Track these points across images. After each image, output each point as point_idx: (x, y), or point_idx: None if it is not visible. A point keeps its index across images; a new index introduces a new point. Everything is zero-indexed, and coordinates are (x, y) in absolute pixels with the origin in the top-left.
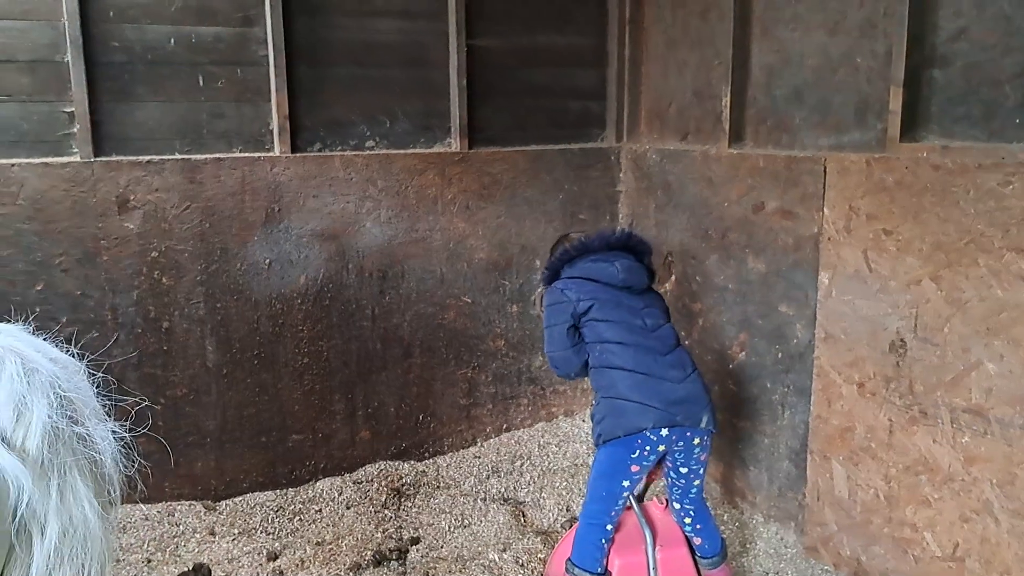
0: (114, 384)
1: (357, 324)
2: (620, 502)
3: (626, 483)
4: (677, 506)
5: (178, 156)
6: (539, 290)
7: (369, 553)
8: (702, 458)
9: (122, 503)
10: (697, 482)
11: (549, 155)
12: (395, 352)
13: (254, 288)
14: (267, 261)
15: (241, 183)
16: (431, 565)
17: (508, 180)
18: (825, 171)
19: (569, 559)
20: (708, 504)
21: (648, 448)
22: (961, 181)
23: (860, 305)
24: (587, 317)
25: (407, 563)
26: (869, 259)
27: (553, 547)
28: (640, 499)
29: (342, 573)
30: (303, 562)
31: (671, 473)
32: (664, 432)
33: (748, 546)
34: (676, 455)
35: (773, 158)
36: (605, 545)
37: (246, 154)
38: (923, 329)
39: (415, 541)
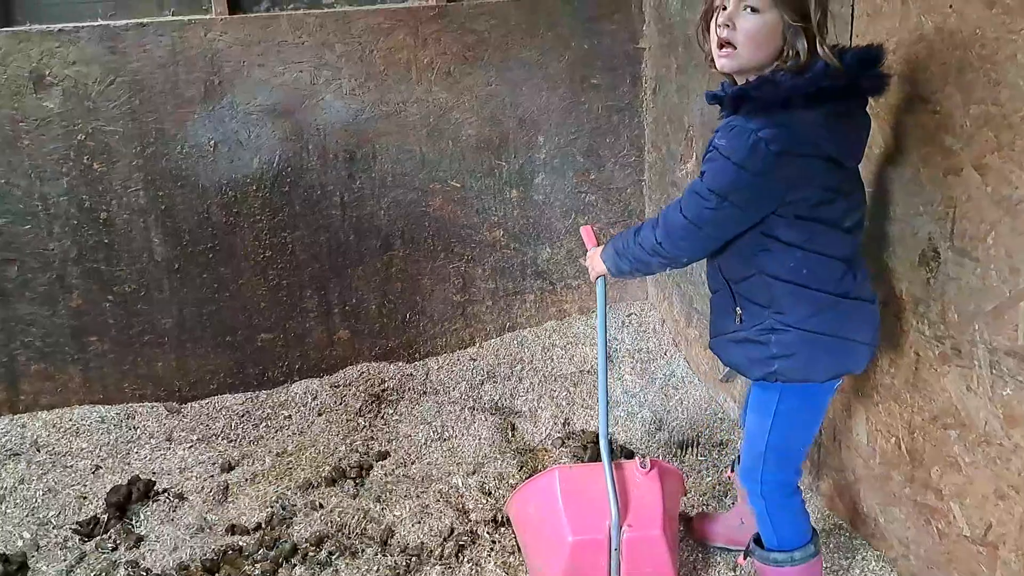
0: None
1: (324, 212)
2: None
3: None
4: None
5: (94, 23)
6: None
7: (328, 468)
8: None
9: (79, 404)
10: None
11: (550, 5)
12: (372, 244)
13: (200, 174)
14: (212, 143)
15: (171, 52)
16: (389, 487)
17: (498, 39)
18: (852, 14)
19: (764, 547)
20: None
21: None
22: (1023, 24)
23: (886, 200)
24: (783, 209)
25: (364, 483)
26: (899, 138)
27: (531, 473)
28: (625, 454)
29: (290, 492)
30: (255, 476)
31: None
32: None
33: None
34: None
35: None
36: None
37: (174, 18)
38: (960, 237)
39: (383, 456)
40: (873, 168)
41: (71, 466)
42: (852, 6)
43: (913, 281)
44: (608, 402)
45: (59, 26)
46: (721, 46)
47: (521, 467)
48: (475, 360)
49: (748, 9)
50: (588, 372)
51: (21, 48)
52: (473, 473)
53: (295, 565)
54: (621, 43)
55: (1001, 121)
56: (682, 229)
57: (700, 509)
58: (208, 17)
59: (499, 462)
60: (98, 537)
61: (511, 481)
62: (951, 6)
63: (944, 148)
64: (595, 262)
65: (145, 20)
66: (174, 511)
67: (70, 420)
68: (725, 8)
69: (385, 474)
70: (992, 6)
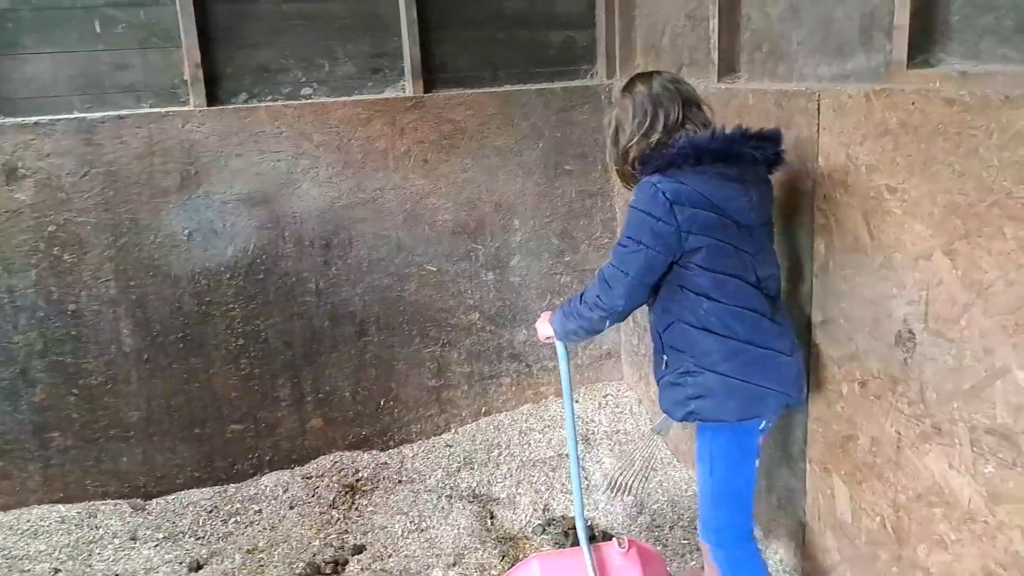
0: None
1: (299, 300)
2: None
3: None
4: None
5: (70, 116)
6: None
7: (301, 565)
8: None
9: (38, 503)
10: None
11: (524, 97)
12: (346, 330)
13: (173, 263)
14: (186, 232)
15: (148, 143)
16: None
17: (474, 128)
18: (819, 109)
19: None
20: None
21: None
22: (981, 121)
23: (860, 283)
24: (687, 260)
25: None
26: (870, 224)
27: (513, 563)
28: (606, 539)
29: None
30: None
31: None
32: None
33: None
34: None
35: (762, 94)
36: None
37: (152, 110)
38: (935, 319)
39: (358, 550)
40: (847, 252)
41: (28, 571)
42: (818, 101)
43: (890, 361)
44: (581, 476)
45: (35, 119)
46: None
47: (502, 557)
48: (451, 446)
49: None
50: (566, 456)
51: None
52: (453, 565)
53: None
54: (592, 131)
55: (968, 210)
56: (612, 278)
57: None
58: (186, 109)
59: (479, 552)
60: None
61: (492, 572)
62: (913, 103)
63: (914, 234)
64: (542, 326)
65: (123, 112)
66: None
67: (28, 521)
68: None
69: (361, 569)
70: (952, 104)
